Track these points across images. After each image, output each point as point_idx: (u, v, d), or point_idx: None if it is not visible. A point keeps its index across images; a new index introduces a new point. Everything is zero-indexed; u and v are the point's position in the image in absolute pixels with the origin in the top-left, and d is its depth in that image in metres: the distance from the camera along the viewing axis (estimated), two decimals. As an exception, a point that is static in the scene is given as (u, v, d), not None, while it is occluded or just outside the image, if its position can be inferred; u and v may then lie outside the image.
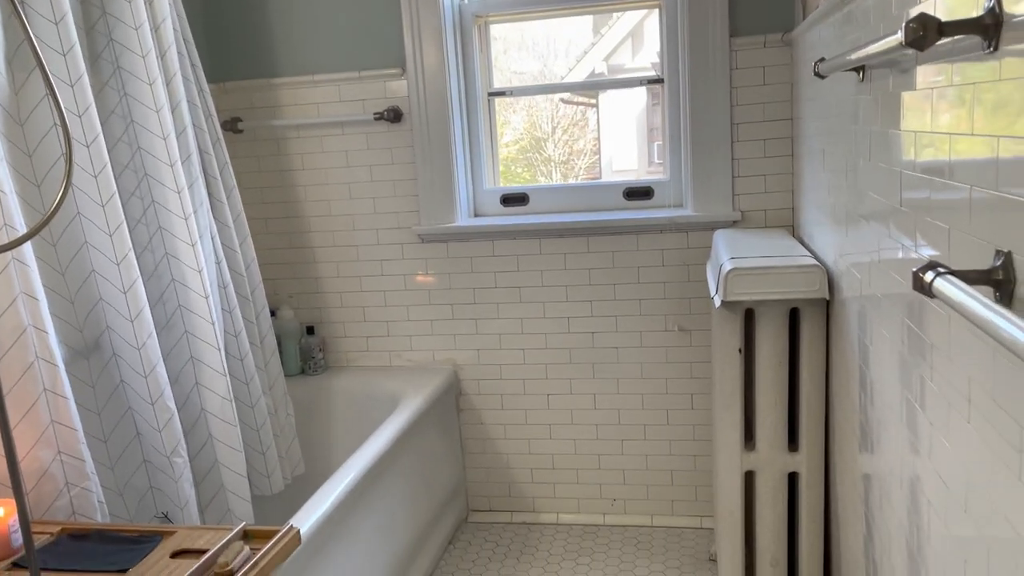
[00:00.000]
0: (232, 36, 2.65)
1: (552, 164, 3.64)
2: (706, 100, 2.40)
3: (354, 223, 2.69)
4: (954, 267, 0.79)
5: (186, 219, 2.08)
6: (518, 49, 2.69)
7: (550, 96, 3.16)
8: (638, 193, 2.63)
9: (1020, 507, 0.79)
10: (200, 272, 2.10)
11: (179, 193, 2.07)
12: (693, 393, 2.56)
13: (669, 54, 2.50)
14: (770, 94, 2.37)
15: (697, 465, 2.60)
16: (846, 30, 1.52)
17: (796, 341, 1.82)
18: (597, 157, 3.66)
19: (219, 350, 2.13)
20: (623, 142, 3.66)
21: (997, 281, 0.75)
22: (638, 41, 3.56)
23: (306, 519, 1.69)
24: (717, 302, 1.80)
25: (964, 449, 0.95)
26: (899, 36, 0.82)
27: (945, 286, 0.72)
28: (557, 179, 3.67)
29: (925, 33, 0.78)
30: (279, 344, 2.61)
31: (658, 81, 2.59)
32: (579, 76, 3.42)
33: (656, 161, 3.94)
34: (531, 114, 3.08)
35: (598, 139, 3.52)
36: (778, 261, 1.79)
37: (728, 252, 1.94)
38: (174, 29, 2.14)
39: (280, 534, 1.54)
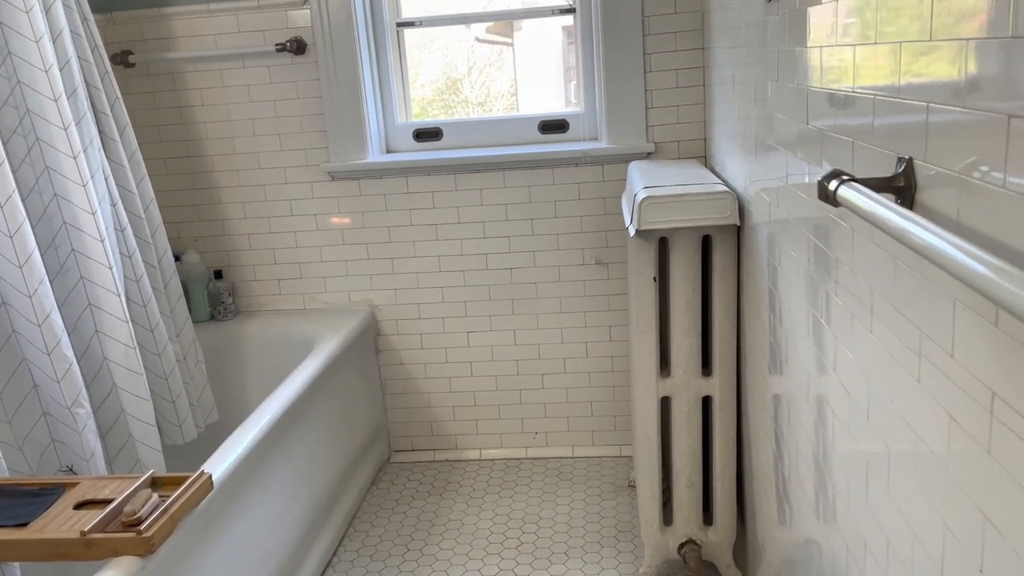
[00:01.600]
0: (117, -39, 2.47)
1: (469, 106, 3.57)
2: (618, 30, 2.37)
3: (260, 161, 2.58)
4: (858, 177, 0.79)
5: (75, 158, 1.95)
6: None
7: (465, 36, 3.07)
8: (553, 126, 2.60)
9: (918, 409, 0.82)
10: (94, 214, 1.98)
11: (66, 130, 1.93)
12: (611, 325, 2.59)
13: (581, -18, 2.46)
14: (681, 23, 2.36)
15: (616, 396, 2.64)
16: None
17: (708, 268, 1.85)
18: (515, 99, 3.61)
19: (119, 296, 2.03)
20: (540, 82, 3.61)
21: (899, 188, 0.75)
22: None
23: (219, 464, 1.65)
24: (632, 231, 1.80)
25: (867, 358, 0.98)
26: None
27: (850, 193, 0.72)
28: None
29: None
30: (186, 290, 2.51)
31: (570, 11, 2.54)
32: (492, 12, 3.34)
33: (573, 100, 3.91)
34: (446, 55, 3.00)
35: (515, 79, 3.46)
36: (691, 189, 1.80)
37: (642, 182, 1.94)
38: (49, -50, 1.97)
39: (191, 480, 1.50)
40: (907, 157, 0.76)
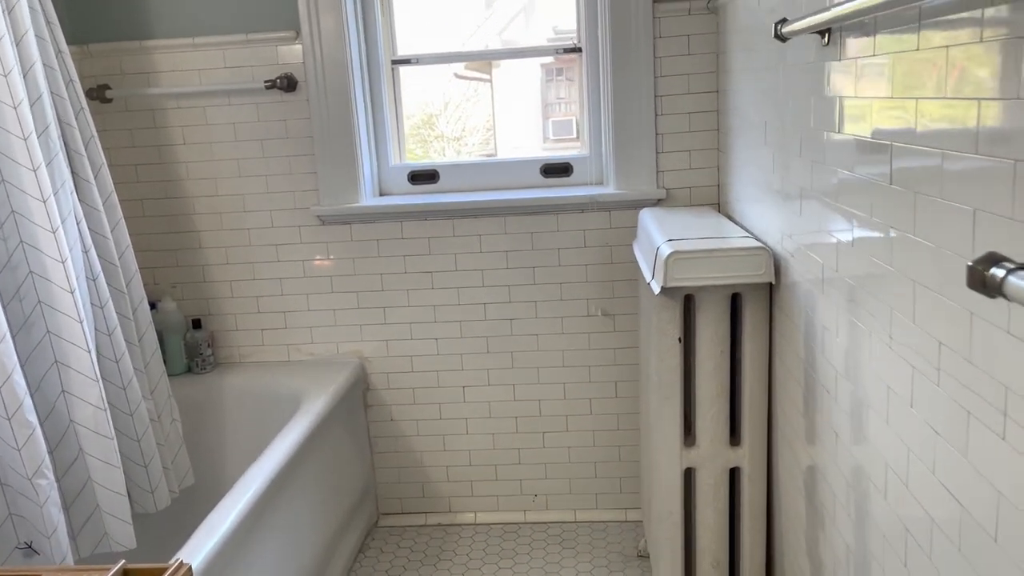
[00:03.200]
0: (95, -10, 2.31)
1: (445, 140, 3.45)
2: (628, 71, 2.25)
3: (244, 204, 2.42)
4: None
5: (44, 201, 1.78)
6: (410, 24, 2.47)
7: (443, 71, 2.96)
8: (556, 170, 2.47)
9: (965, 483, 0.69)
10: (64, 263, 1.80)
11: (35, 171, 1.76)
12: (617, 381, 2.44)
13: (587, 22, 2.35)
14: (695, 65, 2.25)
15: (622, 456, 2.48)
16: (800, -10, 1.39)
17: (737, 328, 1.71)
18: (491, 133, 3.50)
19: (89, 352, 1.85)
20: (518, 118, 3.51)
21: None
22: (531, 16, 3.41)
23: (198, 550, 1.46)
24: (656, 288, 1.66)
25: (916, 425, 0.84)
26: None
27: (1021, 286, 0.59)
28: (451, 156, 3.49)
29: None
30: (161, 340, 2.32)
31: (576, 50, 2.43)
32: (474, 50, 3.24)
33: (551, 137, 3.81)
34: (424, 89, 2.88)
35: (492, 115, 3.35)
36: (720, 243, 1.67)
37: (662, 234, 1.80)
38: (23, -24, 1.81)
39: (168, 574, 1.31)
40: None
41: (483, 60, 2.74)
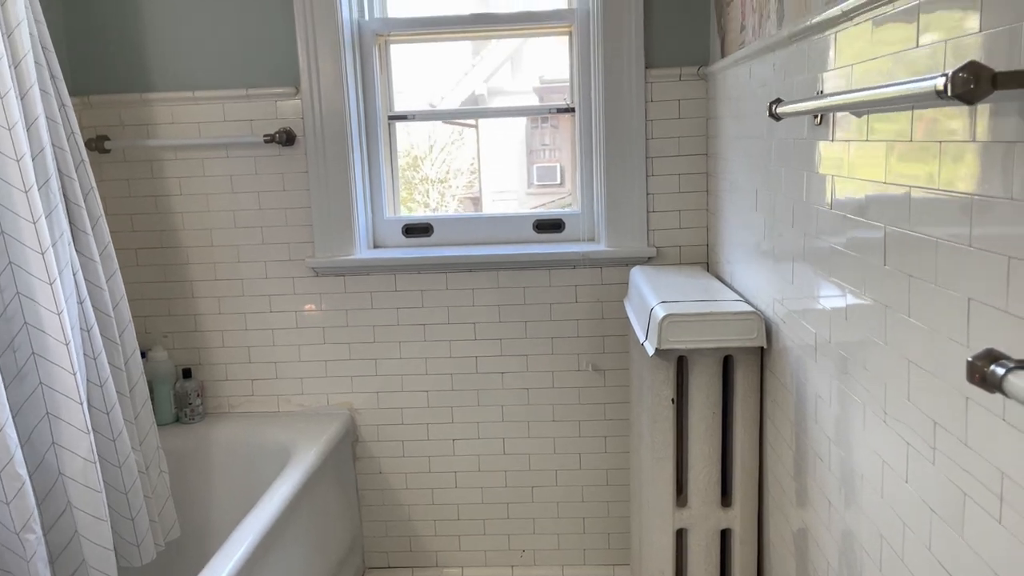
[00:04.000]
0: (99, 44, 2.35)
1: (429, 183, 3.49)
2: (620, 132, 2.31)
3: (239, 254, 2.43)
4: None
5: (43, 253, 1.79)
6: (398, 70, 2.52)
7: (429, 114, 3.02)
8: (548, 226, 2.51)
9: (962, 562, 0.71)
10: (59, 314, 1.81)
11: (35, 223, 1.77)
12: (606, 436, 2.45)
13: (580, 82, 2.41)
14: (685, 128, 2.31)
15: (610, 511, 2.49)
16: (792, 69, 1.45)
17: (729, 390, 1.74)
18: (475, 176, 3.54)
19: (81, 404, 1.84)
20: (503, 163, 3.56)
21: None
22: (517, 63, 3.49)
23: (192, 611, 1.45)
24: (650, 350, 1.69)
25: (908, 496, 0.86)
26: (935, 84, 0.72)
27: (1021, 385, 0.62)
28: (434, 197, 3.53)
29: (978, 84, 0.68)
30: (150, 389, 2.31)
31: (568, 110, 2.48)
32: (460, 97, 3.31)
33: (536, 183, 3.86)
34: (409, 132, 2.93)
35: (477, 159, 3.40)
36: (713, 306, 1.70)
37: (655, 295, 1.84)
38: (31, 35, 1.84)
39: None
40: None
41: (477, 118, 2.79)
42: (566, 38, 2.46)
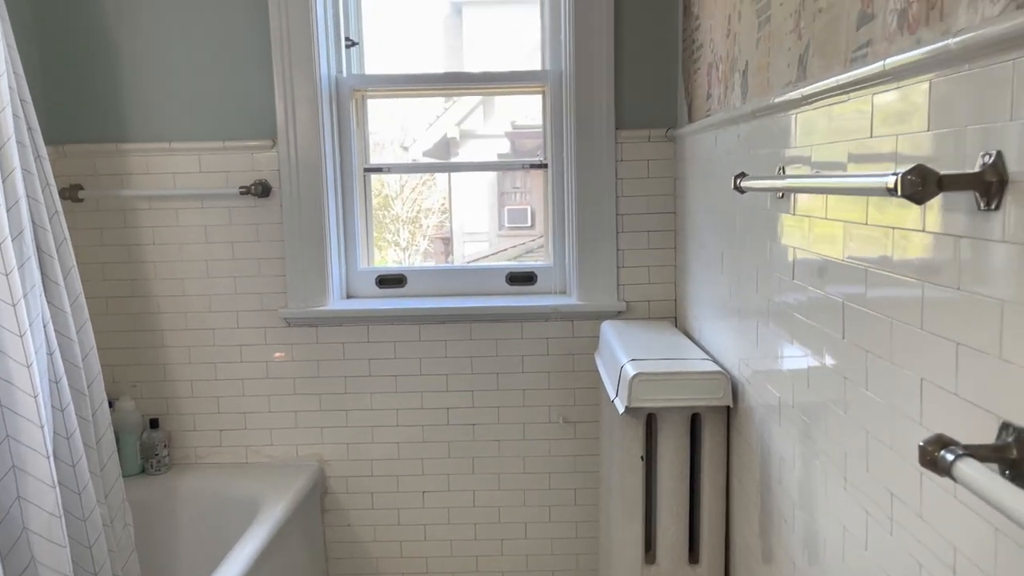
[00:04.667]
0: (76, 93, 2.36)
1: (400, 223, 3.53)
2: (592, 190, 2.37)
3: (211, 304, 2.43)
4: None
5: (14, 305, 1.78)
6: (374, 114, 2.57)
7: (401, 156, 3.06)
8: (521, 278, 2.55)
9: None
10: (29, 367, 1.79)
11: (7, 275, 1.77)
12: (576, 488, 2.47)
13: (553, 140, 2.47)
14: (654, 187, 2.38)
15: (580, 564, 2.49)
16: (756, 142, 1.51)
17: (697, 447, 1.77)
18: (447, 216, 3.58)
19: (48, 458, 1.82)
20: (475, 204, 3.62)
21: (1011, 460, 0.70)
22: (489, 107, 3.56)
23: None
24: (620, 408, 1.72)
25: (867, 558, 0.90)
26: (886, 182, 0.77)
27: (970, 472, 0.66)
28: (405, 236, 3.56)
29: (925, 186, 0.73)
30: (117, 440, 2.28)
31: (542, 166, 2.54)
32: (432, 139, 3.36)
33: (507, 225, 3.91)
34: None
35: (448, 199, 3.45)
36: (681, 365, 1.74)
37: (625, 352, 1.88)
38: (10, 88, 1.86)
39: None
40: (1019, 427, 0.70)
41: (450, 171, 2.84)
42: (539, 96, 2.53)
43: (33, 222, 1.94)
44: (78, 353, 2.04)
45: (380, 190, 2.95)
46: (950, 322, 0.84)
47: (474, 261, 3.77)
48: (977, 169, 0.75)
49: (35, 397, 1.81)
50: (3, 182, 1.82)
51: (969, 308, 0.80)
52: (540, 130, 2.52)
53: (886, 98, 0.98)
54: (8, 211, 1.83)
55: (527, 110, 2.72)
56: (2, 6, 1.88)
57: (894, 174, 0.77)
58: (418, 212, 3.60)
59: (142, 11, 2.33)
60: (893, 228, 0.95)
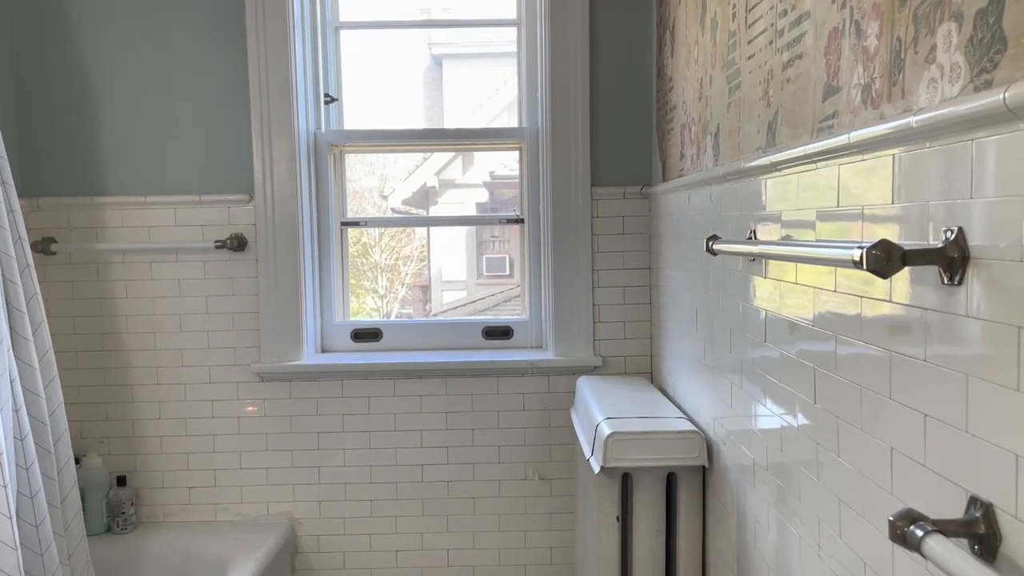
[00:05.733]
0: (50, 147, 2.36)
1: (378, 270, 3.53)
2: (567, 245, 2.38)
3: (183, 359, 2.40)
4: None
5: (-20, 362, 1.75)
6: (353, 163, 2.59)
7: (381, 205, 3.08)
8: (497, 332, 2.54)
9: None
10: (-8, 425, 1.75)
11: (-27, 332, 1.74)
12: (552, 547, 2.43)
13: (529, 195, 2.49)
14: (629, 243, 2.40)
15: (555, 625, 2.45)
16: (728, 204, 1.54)
17: (673, 506, 1.76)
18: (425, 264, 3.59)
19: (11, 519, 1.77)
20: (453, 252, 3.63)
21: (979, 535, 0.70)
22: (468, 158, 3.60)
23: None
24: (596, 467, 1.71)
25: None
26: (852, 255, 0.78)
27: (937, 549, 0.66)
28: (383, 284, 3.56)
29: (889, 262, 0.74)
30: (82, 498, 2.23)
31: (518, 221, 2.56)
32: (411, 189, 3.40)
33: (485, 274, 3.93)
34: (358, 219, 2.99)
35: (427, 247, 3.47)
36: (656, 424, 1.74)
37: (600, 409, 1.87)
38: (-16, 142, 1.85)
39: None
40: (986, 501, 0.71)
41: (429, 226, 2.85)
42: (516, 152, 2.56)
43: (3, 276, 1.91)
44: (45, 409, 2.00)
45: (359, 238, 2.95)
46: (918, 393, 0.84)
47: (453, 310, 3.77)
48: (940, 244, 0.77)
49: (-1, 456, 1.76)
50: (-27, 237, 1.80)
51: (936, 380, 0.81)
52: (518, 179, 2.54)
53: (852, 169, 1.00)
54: (-23, 266, 1.81)
55: (506, 159, 2.75)
56: (-21, 61, 1.89)
57: (859, 246, 0.78)
58: (397, 260, 3.61)
59: (120, 64, 2.34)
60: (861, 297, 0.97)
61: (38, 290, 2.02)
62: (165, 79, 2.35)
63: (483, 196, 3.33)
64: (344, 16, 2.52)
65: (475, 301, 3.71)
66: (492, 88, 3.25)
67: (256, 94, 2.33)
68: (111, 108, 2.35)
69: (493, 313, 3.39)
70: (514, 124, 2.53)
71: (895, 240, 0.87)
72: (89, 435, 2.41)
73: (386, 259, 3.59)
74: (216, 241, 2.34)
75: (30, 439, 1.92)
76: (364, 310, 3.57)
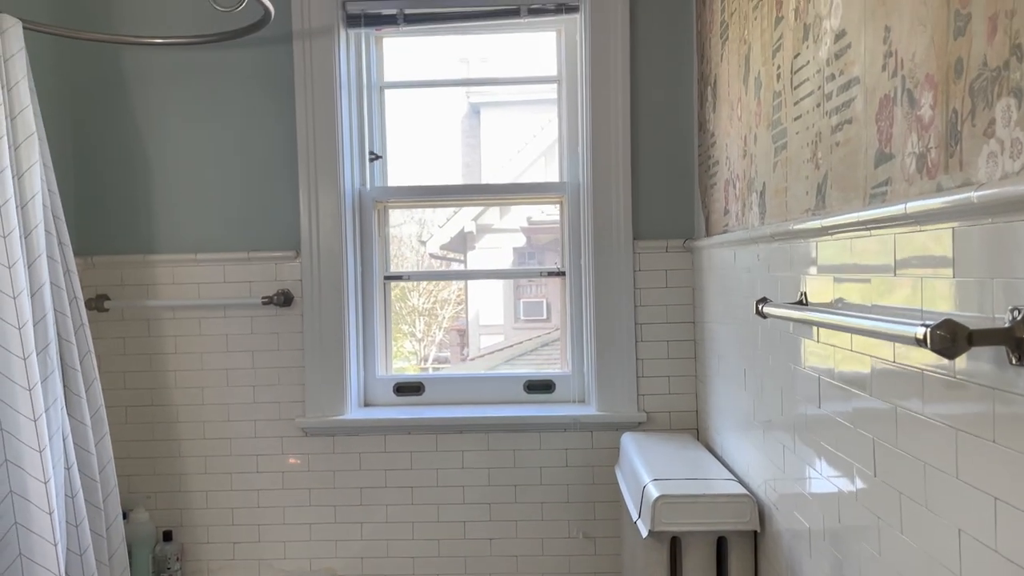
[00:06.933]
0: (106, 207, 2.43)
1: (416, 314, 3.53)
2: (610, 299, 2.38)
3: (229, 413, 2.43)
4: None
5: (35, 420, 1.79)
6: (393, 211, 2.63)
7: (419, 250, 3.10)
8: (539, 386, 2.53)
9: None
10: (46, 483, 1.79)
11: (30, 391, 1.78)
12: (597, 607, 2.38)
13: (571, 249, 2.49)
14: (672, 297, 2.38)
15: None
16: (776, 264, 1.52)
17: (723, 572, 1.71)
18: (462, 307, 3.60)
19: (59, 577, 1.79)
20: (490, 296, 3.64)
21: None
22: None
23: None
24: (643, 531, 1.68)
25: None
26: (916, 333, 0.77)
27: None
28: (421, 328, 3.57)
29: (955, 342, 0.73)
30: (129, 553, 2.24)
31: (559, 274, 2.56)
32: (449, 234, 3.42)
33: (522, 318, 3.91)
34: (398, 264, 3.02)
35: (464, 291, 3.47)
36: (706, 487, 1.71)
37: (647, 470, 1.84)
38: (44, 206, 1.91)
39: None
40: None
41: (468, 279, 2.86)
42: (557, 205, 2.57)
43: (58, 335, 1.96)
44: (95, 466, 2.03)
45: (397, 282, 2.99)
46: (986, 474, 0.82)
47: (490, 354, 3.76)
48: (1007, 324, 0.75)
49: (50, 514, 1.79)
50: (32, 297, 1.85)
51: (1005, 462, 0.78)
52: (556, 225, 2.55)
53: (908, 239, 0.98)
54: (35, 326, 1.85)
55: (543, 206, 2.76)
56: (41, 127, 1.96)
57: (924, 325, 0.77)
58: (434, 303, 3.63)
59: (172, 126, 2.41)
60: (923, 371, 0.95)
61: (91, 348, 2.06)
62: (215, 139, 2.41)
63: (520, 241, 3.34)
64: (388, 76, 2.57)
65: (512, 346, 3.70)
66: (529, 135, 3.28)
67: (304, 153, 2.38)
68: (163, 168, 2.42)
69: (530, 358, 3.38)
70: (551, 168, 2.55)
71: (955, 313, 0.85)
72: (137, 490, 2.43)
73: (424, 303, 3.61)
74: (263, 297, 2.37)
75: (80, 496, 1.95)
76: (402, 353, 3.59)
